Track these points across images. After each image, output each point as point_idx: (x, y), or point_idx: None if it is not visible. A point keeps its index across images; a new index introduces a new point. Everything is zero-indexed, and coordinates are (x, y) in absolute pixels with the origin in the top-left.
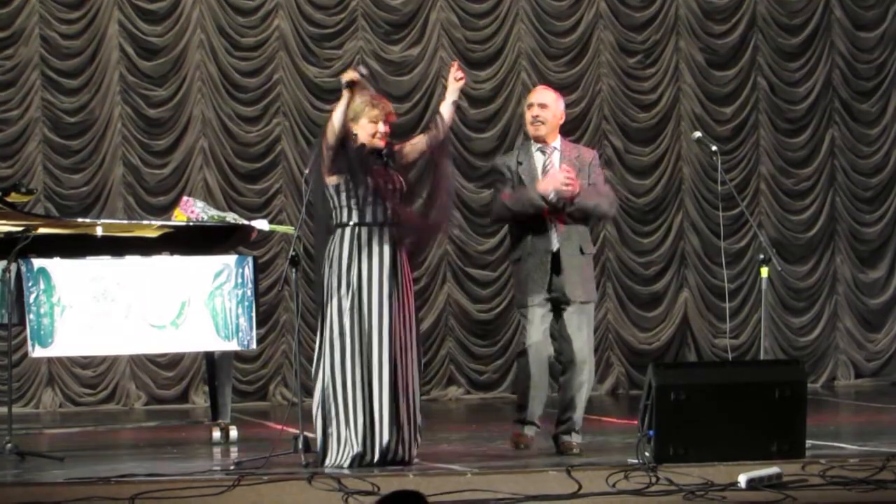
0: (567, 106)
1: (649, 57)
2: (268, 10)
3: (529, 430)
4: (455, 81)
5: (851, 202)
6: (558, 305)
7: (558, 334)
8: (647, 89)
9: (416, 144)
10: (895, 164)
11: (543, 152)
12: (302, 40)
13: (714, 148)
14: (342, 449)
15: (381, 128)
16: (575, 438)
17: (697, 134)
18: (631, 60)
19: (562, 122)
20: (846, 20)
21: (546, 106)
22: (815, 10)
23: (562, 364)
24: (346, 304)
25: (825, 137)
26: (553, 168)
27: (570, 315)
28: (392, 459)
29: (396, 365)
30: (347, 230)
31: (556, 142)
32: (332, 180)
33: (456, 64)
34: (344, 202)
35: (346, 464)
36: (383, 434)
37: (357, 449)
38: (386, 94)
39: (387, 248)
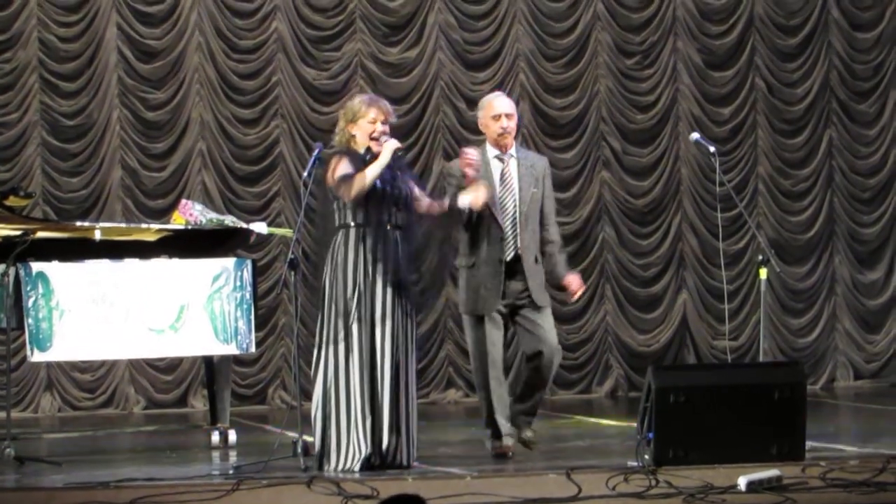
0: (565, 107)
1: (647, 58)
2: (266, 12)
3: (508, 440)
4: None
5: (850, 203)
6: (516, 310)
7: (525, 330)
8: (645, 90)
9: (425, 207)
10: (893, 165)
11: (501, 160)
12: (300, 42)
13: (712, 149)
14: (349, 452)
15: (380, 127)
16: (529, 431)
17: (695, 135)
18: (629, 62)
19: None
20: (843, 21)
21: (512, 116)
22: (812, 10)
23: (528, 355)
24: (353, 306)
25: (823, 138)
26: (511, 177)
27: (534, 314)
28: (392, 463)
29: (398, 368)
30: (352, 231)
31: (513, 149)
32: (332, 183)
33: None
34: (342, 205)
35: (357, 467)
36: (385, 437)
37: (366, 451)
38: (385, 96)
39: (391, 250)
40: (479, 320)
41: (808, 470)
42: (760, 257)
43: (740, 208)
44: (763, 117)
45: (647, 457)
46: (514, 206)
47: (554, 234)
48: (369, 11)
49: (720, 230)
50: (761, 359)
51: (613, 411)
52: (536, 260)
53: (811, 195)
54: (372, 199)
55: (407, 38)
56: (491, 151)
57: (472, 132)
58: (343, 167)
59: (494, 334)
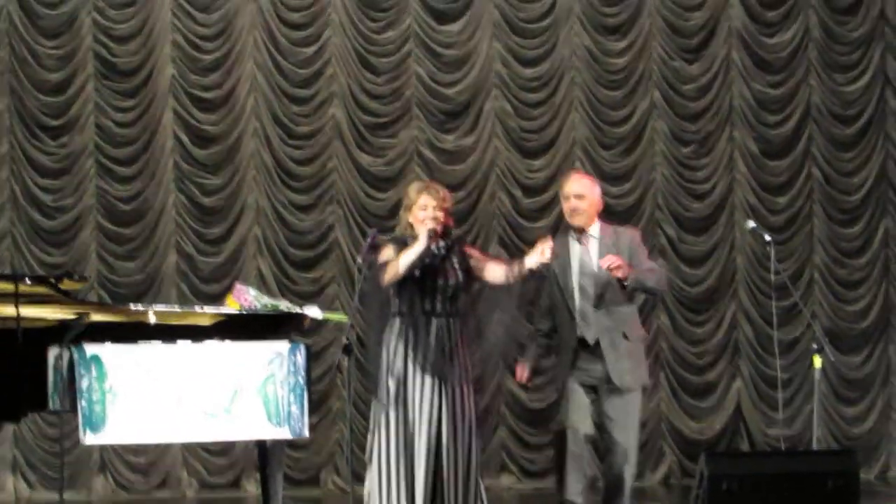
0: (621, 195)
1: (703, 146)
2: (322, 98)
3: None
4: (541, 255)
5: None
6: (601, 393)
7: (600, 417)
8: (701, 179)
9: (495, 273)
10: None
11: (580, 242)
12: (356, 128)
13: (768, 238)
14: None
15: (430, 213)
16: None
17: (751, 223)
18: (685, 150)
19: (600, 208)
20: None
21: (583, 196)
22: (869, 100)
23: (605, 448)
24: (389, 393)
25: (879, 228)
26: (590, 258)
27: (614, 403)
28: None
29: (441, 456)
30: (397, 319)
31: (595, 228)
32: None
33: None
34: (395, 292)
35: None
36: None
37: None
38: (440, 183)
39: (432, 339)
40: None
41: None
42: (815, 346)
43: (795, 297)
44: (819, 206)
45: None
46: (592, 286)
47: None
48: (426, 98)
49: (775, 318)
50: (815, 447)
51: (666, 498)
52: (625, 336)
53: (867, 284)
54: (406, 288)
55: (463, 125)
56: (572, 234)
57: (527, 219)
58: (386, 254)
59: (577, 403)
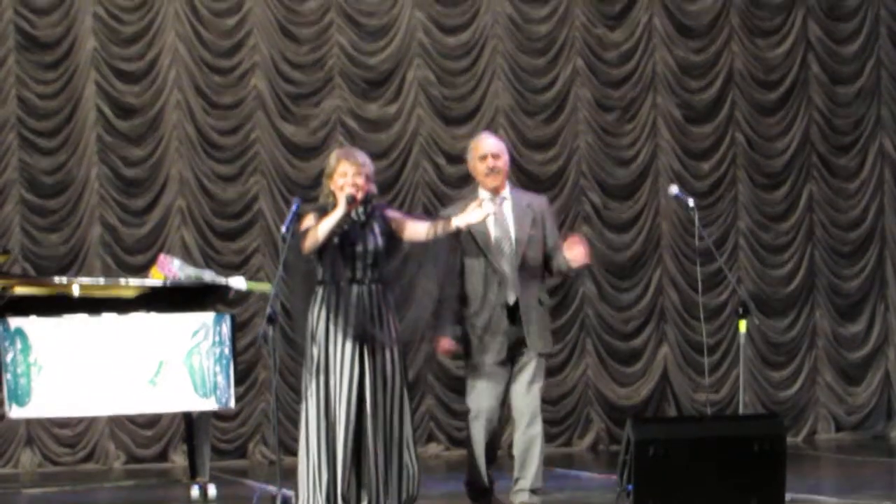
0: (545, 163)
1: (626, 113)
2: (245, 69)
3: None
4: (470, 215)
5: (830, 256)
6: (514, 356)
7: (509, 386)
8: (625, 145)
9: (417, 230)
10: (874, 219)
11: (494, 203)
12: (279, 98)
13: (691, 203)
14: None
15: (349, 180)
16: (532, 500)
17: (674, 189)
18: (608, 117)
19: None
20: (823, 75)
21: (499, 156)
22: (792, 65)
23: (513, 417)
24: (315, 362)
25: (803, 192)
26: (505, 220)
27: (525, 366)
28: None
29: (365, 421)
30: (320, 288)
31: (506, 191)
32: None
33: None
34: (317, 260)
35: None
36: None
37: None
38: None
39: (353, 305)
40: (477, 370)
41: None
42: (740, 310)
43: (720, 262)
44: (743, 171)
45: None
46: (511, 248)
47: (563, 260)
48: (348, 68)
49: (700, 284)
50: (741, 412)
51: (594, 465)
52: (541, 302)
53: (791, 249)
54: (327, 255)
55: (386, 94)
56: (483, 195)
57: (451, 187)
58: (307, 222)
59: (492, 390)
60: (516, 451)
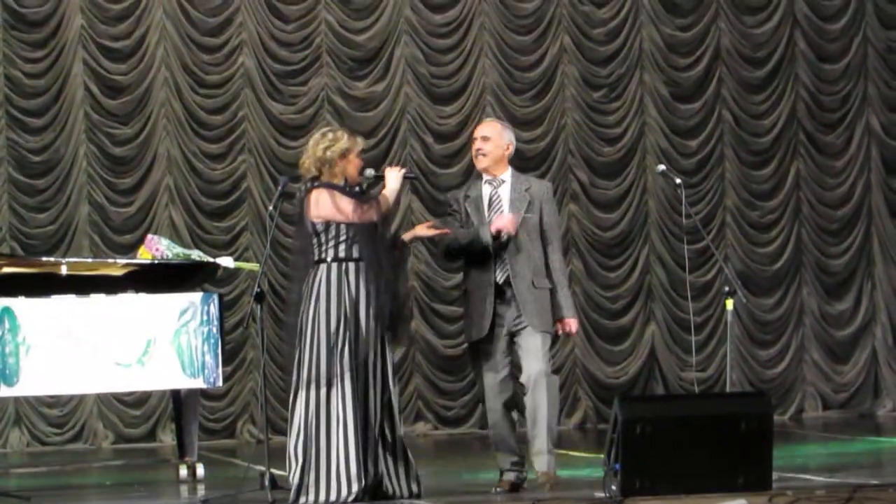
0: (532, 140)
1: (614, 91)
2: (232, 47)
3: (508, 476)
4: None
5: (817, 234)
6: (513, 337)
7: (516, 358)
8: (612, 123)
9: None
10: (860, 196)
11: (491, 185)
12: (267, 77)
13: (678, 181)
14: (331, 487)
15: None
16: (542, 466)
17: (662, 167)
18: (595, 94)
19: (509, 152)
20: (810, 52)
21: (488, 138)
22: (778, 42)
23: (523, 386)
24: (339, 340)
25: (790, 170)
26: (500, 201)
27: (526, 339)
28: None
29: (368, 401)
30: (323, 267)
31: (506, 174)
32: (318, 218)
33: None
34: (324, 240)
35: (351, 499)
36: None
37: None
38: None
39: (362, 285)
40: (475, 349)
41: (775, 500)
42: (727, 288)
43: (707, 241)
44: (730, 149)
45: (614, 488)
46: (506, 236)
47: (555, 259)
48: (336, 46)
49: (687, 262)
50: (729, 390)
51: (582, 443)
52: (534, 285)
53: (778, 227)
54: (315, 237)
55: (374, 72)
56: (483, 177)
57: (438, 165)
58: (347, 198)
59: (495, 374)
60: (527, 413)
